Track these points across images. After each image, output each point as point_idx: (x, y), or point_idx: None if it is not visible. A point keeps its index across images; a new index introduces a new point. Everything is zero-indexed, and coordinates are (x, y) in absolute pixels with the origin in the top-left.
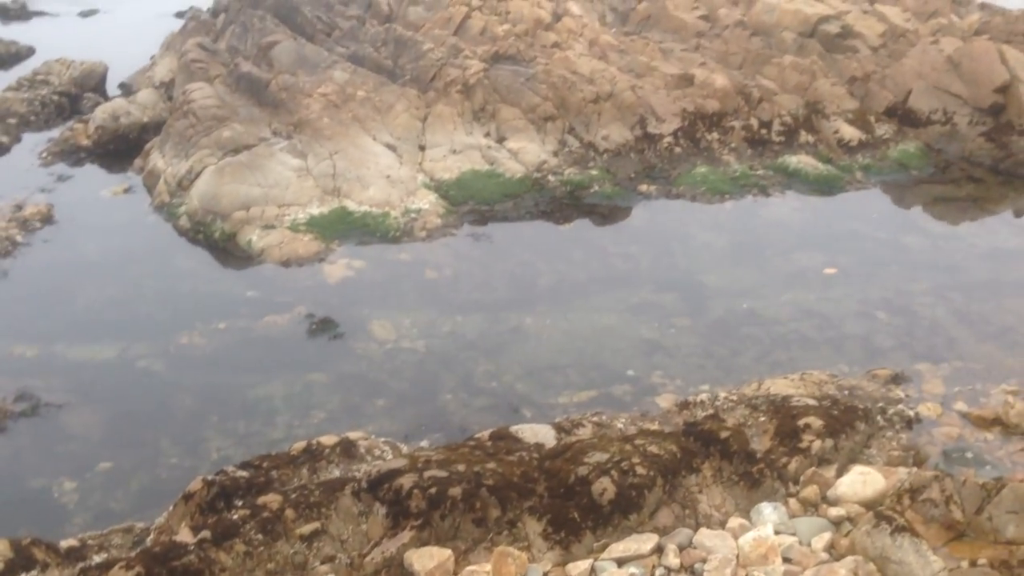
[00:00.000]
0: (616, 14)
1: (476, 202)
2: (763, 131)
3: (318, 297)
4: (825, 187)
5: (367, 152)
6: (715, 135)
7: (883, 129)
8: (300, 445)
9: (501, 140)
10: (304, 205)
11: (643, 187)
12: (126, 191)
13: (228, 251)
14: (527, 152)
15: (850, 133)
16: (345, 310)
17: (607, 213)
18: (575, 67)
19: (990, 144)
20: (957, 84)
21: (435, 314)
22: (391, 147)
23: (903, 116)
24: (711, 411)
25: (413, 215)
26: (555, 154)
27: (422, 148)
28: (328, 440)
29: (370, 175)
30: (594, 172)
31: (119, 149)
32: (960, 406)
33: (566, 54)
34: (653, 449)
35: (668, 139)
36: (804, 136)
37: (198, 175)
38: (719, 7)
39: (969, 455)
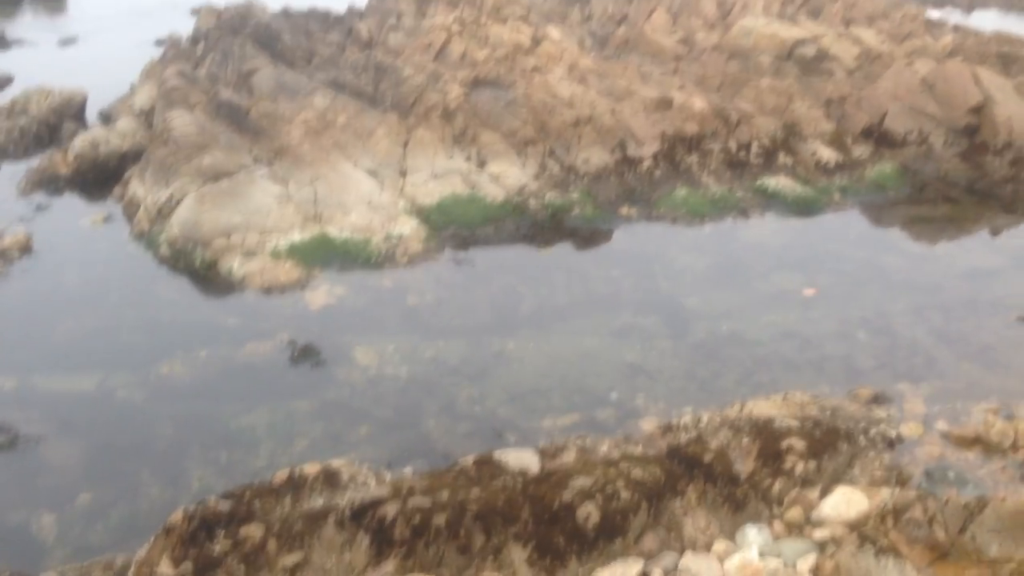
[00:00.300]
0: (595, 38)
1: (457, 227)
2: (742, 153)
3: (300, 324)
4: (804, 208)
5: (348, 178)
6: (694, 157)
7: (860, 150)
8: (282, 474)
9: (482, 164)
10: (285, 232)
11: (624, 210)
12: (105, 220)
13: (209, 279)
14: (508, 176)
15: (827, 155)
16: (327, 337)
17: (588, 236)
18: (555, 91)
19: (965, 164)
20: (932, 105)
21: (417, 340)
22: (372, 172)
23: (879, 137)
24: (694, 434)
25: (395, 240)
26: (536, 178)
27: (403, 173)
28: (311, 469)
29: (351, 201)
30: (575, 195)
31: (99, 178)
32: (941, 425)
33: (546, 78)
34: (637, 473)
35: (648, 162)
36: (782, 158)
37: (178, 203)
38: (696, 31)
39: (951, 474)
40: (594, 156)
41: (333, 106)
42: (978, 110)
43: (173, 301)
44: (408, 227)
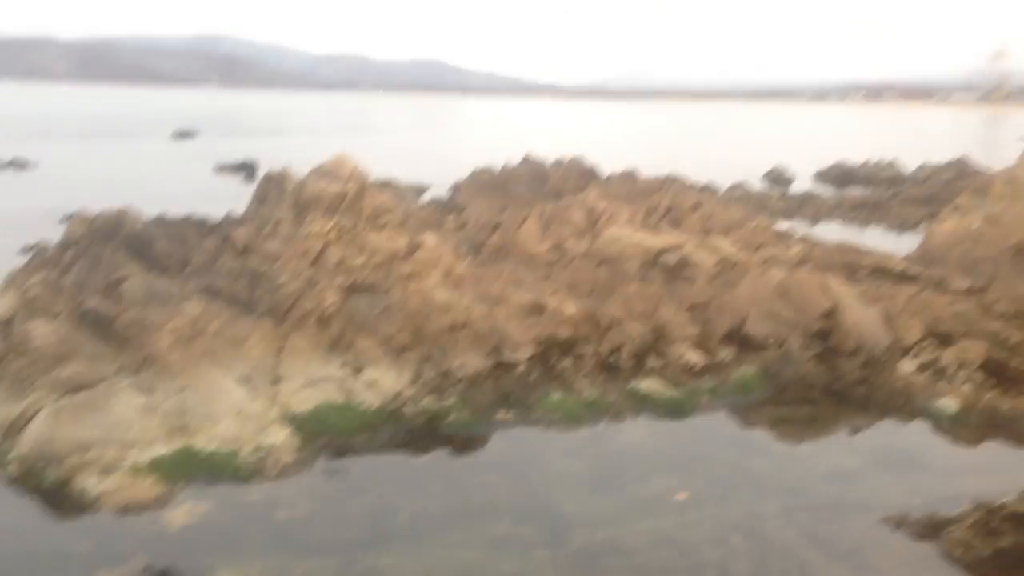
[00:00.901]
0: (469, 245)
1: (332, 435)
2: (613, 357)
3: (158, 546)
4: (674, 411)
5: (218, 387)
6: (568, 361)
7: (724, 353)
8: None
9: (357, 371)
10: (148, 445)
11: (500, 415)
12: None
13: (60, 500)
14: (383, 383)
15: (694, 358)
16: (187, 559)
17: (464, 443)
18: (431, 297)
19: (821, 366)
20: (787, 310)
21: (287, 558)
22: (244, 380)
23: (741, 341)
24: None
25: (265, 451)
26: (412, 384)
27: (276, 381)
28: None
29: (220, 410)
30: (451, 401)
31: None
32: None
33: (422, 285)
34: None
35: (523, 366)
36: (652, 361)
37: (32, 417)
38: (567, 239)
39: None
40: (470, 361)
41: (205, 313)
42: (829, 315)
43: (14, 528)
44: (280, 437)
